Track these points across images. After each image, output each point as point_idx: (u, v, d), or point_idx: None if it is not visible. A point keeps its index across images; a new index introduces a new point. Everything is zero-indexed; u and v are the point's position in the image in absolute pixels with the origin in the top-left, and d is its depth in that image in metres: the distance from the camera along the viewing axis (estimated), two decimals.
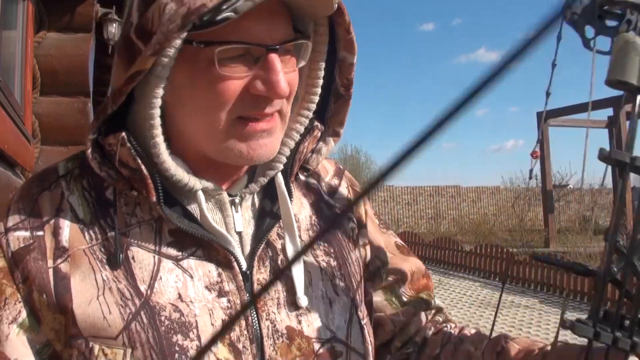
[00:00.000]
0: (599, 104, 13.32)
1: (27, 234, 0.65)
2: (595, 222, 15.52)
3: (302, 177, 0.78)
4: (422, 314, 0.84)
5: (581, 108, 13.70)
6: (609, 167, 0.48)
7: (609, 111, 13.77)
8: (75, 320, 0.62)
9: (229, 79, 0.60)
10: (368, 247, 0.82)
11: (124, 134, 0.61)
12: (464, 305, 7.38)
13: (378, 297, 0.82)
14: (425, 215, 21.02)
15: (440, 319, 0.86)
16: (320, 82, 0.70)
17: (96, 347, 0.61)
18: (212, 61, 0.59)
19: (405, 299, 0.83)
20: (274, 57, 0.60)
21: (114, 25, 4.53)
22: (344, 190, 0.82)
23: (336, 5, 0.63)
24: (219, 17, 0.56)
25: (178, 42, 0.57)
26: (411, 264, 0.85)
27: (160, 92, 0.60)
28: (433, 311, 0.86)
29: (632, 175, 0.46)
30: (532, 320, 6.40)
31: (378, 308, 0.82)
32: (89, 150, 0.63)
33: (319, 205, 0.78)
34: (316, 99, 0.71)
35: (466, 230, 17.88)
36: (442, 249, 10.78)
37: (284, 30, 0.62)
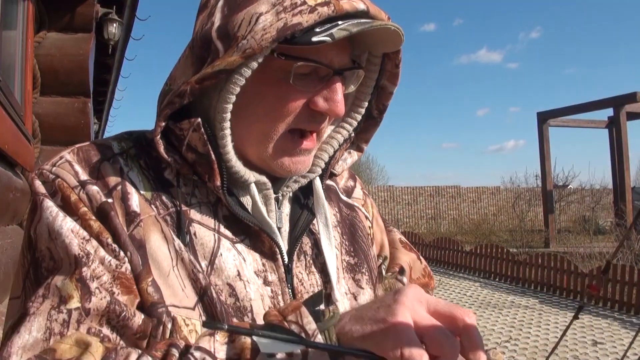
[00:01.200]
0: (599, 104, 13.34)
1: (101, 192, 0.65)
2: (595, 222, 15.50)
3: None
4: None
5: (581, 108, 13.69)
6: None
7: (609, 111, 13.75)
8: (157, 287, 0.62)
9: (298, 92, 0.64)
10: (374, 245, 0.87)
11: (199, 120, 0.64)
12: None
13: (379, 293, 0.85)
14: (425, 215, 20.99)
15: None
16: (366, 104, 0.76)
17: (178, 318, 0.61)
18: (286, 73, 0.63)
19: None
20: (338, 79, 0.66)
21: (114, 25, 4.53)
22: (359, 190, 0.90)
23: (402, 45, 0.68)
24: (316, 39, 0.59)
25: (268, 51, 0.60)
26: (410, 259, 0.90)
27: (238, 89, 0.63)
28: None
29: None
30: (532, 320, 6.40)
31: None
32: (158, 137, 0.65)
33: (339, 204, 0.85)
34: (359, 117, 0.77)
35: (466, 230, 17.87)
36: (442, 249, 10.75)
37: (347, 57, 0.68)
